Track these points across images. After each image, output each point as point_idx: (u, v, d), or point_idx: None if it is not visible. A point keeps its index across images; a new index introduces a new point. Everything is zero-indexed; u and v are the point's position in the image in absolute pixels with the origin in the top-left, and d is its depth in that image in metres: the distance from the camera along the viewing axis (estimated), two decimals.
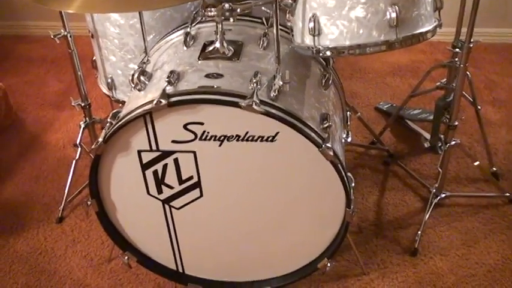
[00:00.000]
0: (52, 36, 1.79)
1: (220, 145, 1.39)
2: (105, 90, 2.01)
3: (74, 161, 2.00)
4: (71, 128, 2.42)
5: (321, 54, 1.41)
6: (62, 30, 1.80)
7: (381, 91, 2.58)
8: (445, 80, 2.02)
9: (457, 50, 1.86)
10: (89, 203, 1.53)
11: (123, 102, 1.99)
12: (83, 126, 1.99)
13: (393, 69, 2.74)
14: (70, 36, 1.81)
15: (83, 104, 1.95)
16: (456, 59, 1.93)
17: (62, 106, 2.57)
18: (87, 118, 1.99)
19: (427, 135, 2.20)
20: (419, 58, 2.77)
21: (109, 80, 1.95)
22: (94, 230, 1.92)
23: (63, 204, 1.98)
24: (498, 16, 2.85)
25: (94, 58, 2.02)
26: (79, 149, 1.99)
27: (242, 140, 1.37)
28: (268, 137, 1.36)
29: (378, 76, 2.69)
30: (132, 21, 1.79)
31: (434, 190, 1.87)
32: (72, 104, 1.95)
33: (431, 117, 2.20)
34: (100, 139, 1.40)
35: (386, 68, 2.75)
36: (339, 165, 1.37)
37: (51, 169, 2.20)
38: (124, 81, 1.92)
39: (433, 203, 1.87)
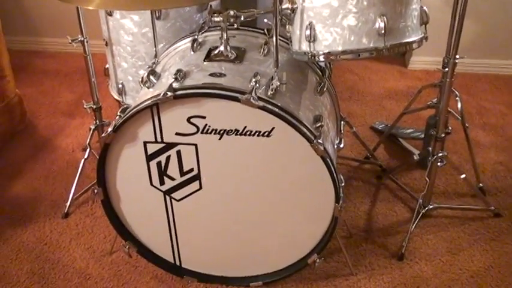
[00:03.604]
0: (70, 41, 1.93)
1: (220, 139, 1.51)
2: (115, 95, 2.14)
3: (83, 160, 2.12)
4: (80, 134, 2.55)
5: (316, 59, 1.54)
6: (79, 36, 1.95)
7: (376, 112, 2.70)
8: (436, 99, 2.15)
9: (446, 69, 1.99)
10: (95, 191, 1.64)
11: None
12: (92, 127, 2.11)
13: (389, 94, 2.87)
14: (86, 42, 1.95)
15: (94, 107, 2.08)
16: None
17: (73, 114, 2.70)
18: (97, 121, 2.12)
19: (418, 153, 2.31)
20: (416, 84, 2.89)
21: (120, 86, 2.09)
22: (97, 226, 2.02)
23: (69, 201, 2.09)
24: (492, 48, 3.00)
25: (107, 66, 2.16)
26: (88, 149, 2.11)
27: (240, 134, 1.49)
28: (265, 132, 1.48)
29: (374, 99, 2.82)
30: (145, 30, 1.93)
31: (421, 200, 1.97)
32: (84, 106, 2.08)
33: (423, 136, 2.32)
34: (110, 129, 1.52)
35: (383, 92, 2.89)
36: (329, 160, 1.48)
37: (60, 170, 2.32)
38: (134, 87, 2.06)
39: (421, 212, 1.97)
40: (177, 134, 1.52)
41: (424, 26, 1.56)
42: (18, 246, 1.94)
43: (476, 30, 2.91)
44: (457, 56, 1.76)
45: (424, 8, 1.55)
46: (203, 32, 1.80)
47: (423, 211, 1.99)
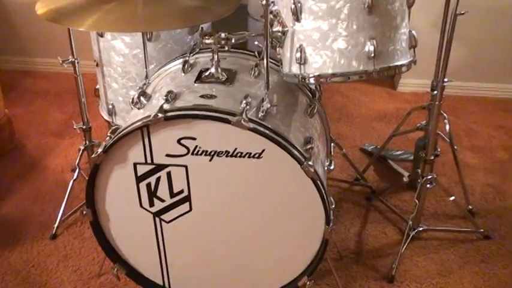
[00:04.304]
0: (60, 62, 1.93)
1: (210, 160, 1.50)
2: (105, 116, 2.14)
3: (72, 181, 2.11)
4: (70, 154, 2.53)
5: (306, 81, 1.55)
6: (70, 57, 1.95)
7: (366, 134, 2.72)
8: (424, 121, 2.16)
9: (435, 92, 2.01)
10: (84, 212, 1.63)
11: None
12: (82, 148, 2.11)
13: (379, 116, 2.89)
14: (77, 62, 1.95)
15: (84, 127, 2.07)
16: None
17: (63, 134, 2.69)
18: (87, 141, 2.11)
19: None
20: (405, 106, 2.91)
21: (110, 106, 2.09)
22: (86, 248, 2.00)
23: (57, 222, 2.07)
24: (480, 71, 3.04)
25: (97, 87, 2.17)
26: (77, 170, 2.10)
27: (231, 156, 1.49)
28: (255, 154, 1.48)
29: (364, 121, 2.84)
30: (136, 51, 1.94)
31: (411, 222, 1.98)
32: (74, 127, 2.08)
33: (412, 158, 2.34)
34: (100, 149, 1.52)
35: (372, 114, 2.91)
36: (319, 182, 1.48)
37: (49, 191, 2.30)
38: (124, 108, 2.06)
39: (411, 234, 1.97)
40: (167, 155, 1.52)
41: (412, 49, 1.58)
42: (5, 268, 1.92)
43: (464, 53, 2.95)
44: (446, 79, 1.78)
45: (413, 32, 1.57)
46: (194, 54, 1.81)
47: (413, 233, 1.99)
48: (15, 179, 2.38)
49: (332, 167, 1.81)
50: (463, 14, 1.68)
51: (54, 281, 1.87)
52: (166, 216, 1.63)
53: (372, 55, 1.46)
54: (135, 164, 1.55)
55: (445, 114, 2.05)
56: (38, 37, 3.28)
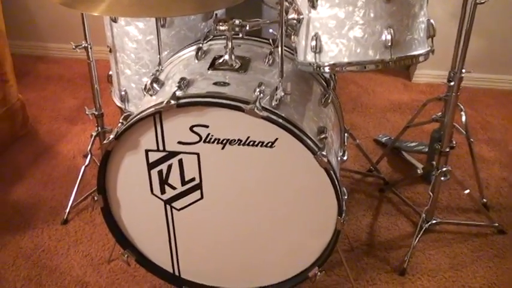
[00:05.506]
0: (74, 47, 1.92)
1: (222, 148, 1.49)
2: (118, 102, 2.13)
3: (83, 167, 2.11)
4: (82, 140, 2.54)
5: (321, 70, 1.52)
6: (83, 42, 1.94)
7: (380, 125, 2.69)
8: (440, 113, 2.13)
9: (452, 83, 1.97)
10: (95, 198, 1.62)
11: None
12: (94, 134, 2.10)
13: (393, 106, 2.85)
14: (90, 48, 1.94)
15: (96, 113, 2.07)
16: None
17: (75, 120, 2.70)
18: (99, 127, 2.10)
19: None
20: (420, 97, 2.88)
21: (123, 93, 2.08)
22: (96, 233, 2.01)
23: (69, 207, 2.07)
24: (497, 63, 2.99)
25: (110, 73, 2.15)
26: (89, 156, 2.10)
27: (243, 144, 1.47)
28: (268, 143, 1.46)
29: (378, 111, 2.81)
30: (149, 38, 1.92)
31: (424, 214, 1.95)
32: (86, 112, 2.07)
33: (427, 150, 2.31)
34: (111, 136, 1.51)
35: (387, 104, 2.87)
36: (332, 172, 1.46)
37: (60, 176, 2.31)
38: (137, 94, 2.05)
39: (424, 227, 1.95)
40: (179, 142, 1.50)
41: (430, 39, 1.55)
42: (16, 252, 1.93)
43: (482, 44, 2.90)
44: (463, 70, 1.75)
45: (431, 21, 1.54)
46: (208, 41, 1.79)
47: (426, 226, 1.97)
48: (28, 164, 2.38)
49: (345, 158, 1.79)
50: (483, 3, 1.65)
51: (65, 265, 1.88)
52: (178, 204, 1.62)
53: (389, 44, 1.43)
54: (146, 151, 1.54)
55: (461, 106, 2.01)
56: (52, 22, 3.28)
